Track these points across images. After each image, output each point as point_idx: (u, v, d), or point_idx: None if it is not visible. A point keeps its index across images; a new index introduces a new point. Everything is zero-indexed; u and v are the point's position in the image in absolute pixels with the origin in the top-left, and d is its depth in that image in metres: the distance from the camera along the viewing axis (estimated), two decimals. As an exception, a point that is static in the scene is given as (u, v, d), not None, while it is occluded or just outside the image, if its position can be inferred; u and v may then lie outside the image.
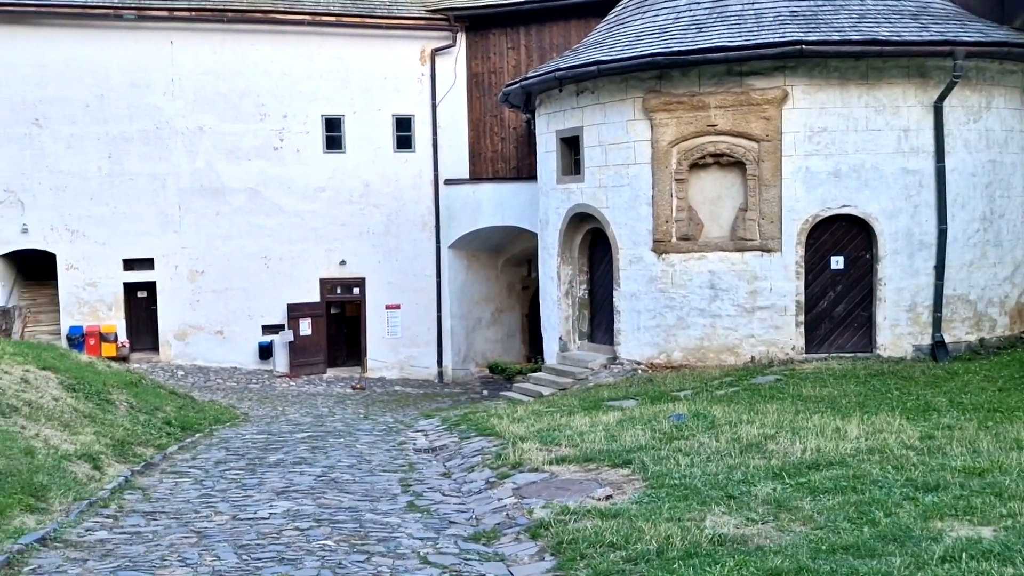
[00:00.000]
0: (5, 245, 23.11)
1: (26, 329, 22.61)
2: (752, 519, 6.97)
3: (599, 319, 18.05)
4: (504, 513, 8.26)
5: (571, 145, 17.93)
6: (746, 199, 15.71)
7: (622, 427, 10.93)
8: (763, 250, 15.66)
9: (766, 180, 15.57)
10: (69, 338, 22.81)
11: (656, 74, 15.96)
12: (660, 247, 16.19)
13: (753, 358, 15.65)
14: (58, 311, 23.59)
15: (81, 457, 10.17)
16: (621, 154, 16.58)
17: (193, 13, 23.32)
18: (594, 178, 17.17)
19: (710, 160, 15.88)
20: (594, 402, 13.67)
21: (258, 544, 7.37)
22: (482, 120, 24.81)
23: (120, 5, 23.03)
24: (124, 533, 7.76)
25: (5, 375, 12.03)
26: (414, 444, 12.77)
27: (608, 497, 8.21)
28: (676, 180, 16.04)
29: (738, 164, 15.73)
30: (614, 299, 16.98)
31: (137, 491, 9.53)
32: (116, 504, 8.85)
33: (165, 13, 23.23)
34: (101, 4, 22.91)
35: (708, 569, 5.79)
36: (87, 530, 7.80)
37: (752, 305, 15.72)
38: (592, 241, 18.07)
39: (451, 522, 8.25)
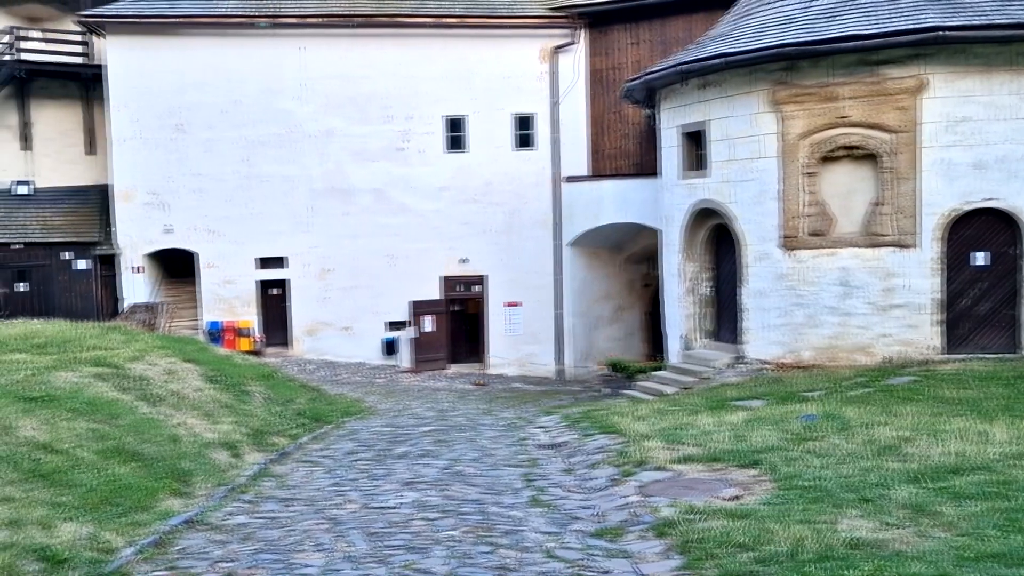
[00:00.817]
0: (151, 245, 24.49)
1: (170, 324, 23.89)
2: (889, 523, 6.68)
3: (724, 317, 17.68)
4: (628, 510, 8.19)
5: (695, 140, 17.63)
6: (880, 193, 15.07)
7: (749, 427, 10.67)
8: (898, 246, 14.99)
9: (902, 173, 14.90)
10: (208, 333, 23.98)
11: (785, 65, 15.51)
12: (789, 243, 15.72)
13: (887, 358, 15.00)
14: (198, 307, 24.82)
15: (221, 445, 10.68)
16: (748, 148, 16.19)
17: (323, 19, 24.12)
18: (719, 173, 16.83)
19: (841, 153, 15.32)
20: (719, 401, 13.40)
21: (388, 532, 7.55)
22: (603, 117, 24.70)
23: (255, 14, 24.06)
24: (262, 518, 8.10)
25: (152, 367, 12.72)
26: (536, 440, 12.82)
27: (736, 497, 8.04)
28: (806, 174, 15.55)
29: (871, 157, 15.12)
30: (740, 296, 16.60)
31: (273, 478, 9.93)
32: (254, 490, 9.24)
33: (296, 20, 24.11)
34: (237, 14, 24.00)
35: (843, 573, 5.59)
36: (228, 514, 8.17)
37: (886, 303, 15.07)
38: (716, 237, 17.72)
39: (575, 518, 8.24)
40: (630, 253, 25.84)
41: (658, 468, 9.40)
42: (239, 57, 24.21)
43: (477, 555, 6.88)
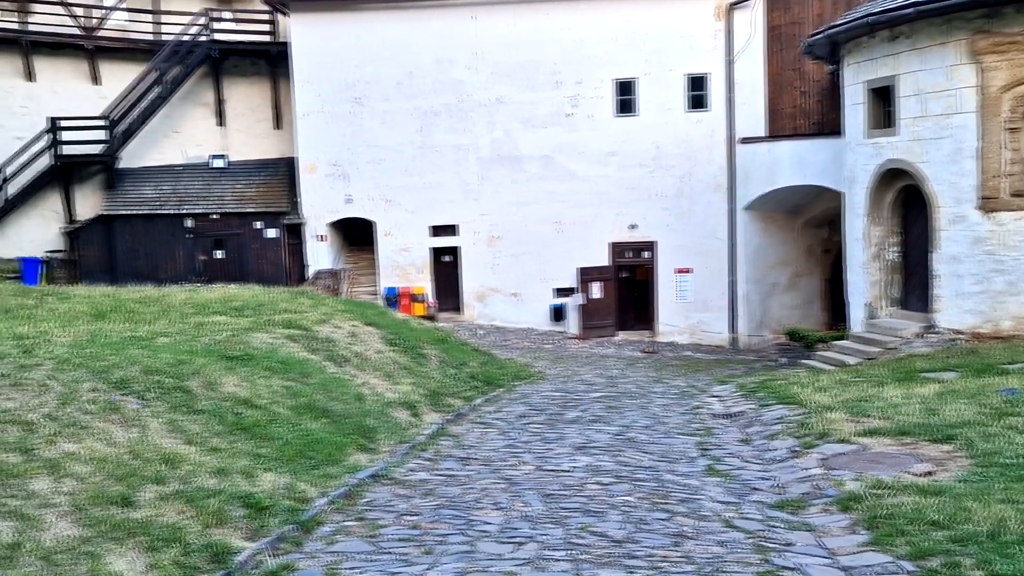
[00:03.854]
0: (333, 214, 25.67)
1: (351, 289, 25.02)
2: (1109, 509, 6.12)
3: (912, 284, 16.65)
4: (811, 483, 7.93)
5: (882, 96, 16.59)
6: (1097, 148, 13.68)
7: (942, 400, 10.05)
8: (1118, 206, 13.59)
9: (1124, 125, 13.44)
10: (386, 298, 24.93)
11: (985, 12, 14.29)
12: (988, 204, 14.57)
13: (1102, 330, 13.70)
14: (376, 273, 25.86)
15: (401, 404, 11.12)
16: (941, 103, 15.08)
17: (493, -13, 24.28)
18: (909, 130, 15.77)
19: (1051, 105, 13.99)
20: (907, 373, 12.68)
21: (562, 495, 7.63)
22: (781, 75, 23.64)
23: (428, -15, 24.53)
24: (441, 475, 8.38)
25: (337, 329, 13.38)
26: (710, 409, 12.59)
27: (928, 473, 7.61)
28: (1008, 129, 14.32)
29: (1087, 108, 13.73)
30: (931, 262, 15.58)
31: (450, 438, 10.25)
32: (433, 449, 9.57)
33: (468, -11, 24.38)
34: (411, -14, 24.54)
35: (1057, 559, 5.17)
36: (410, 470, 8.51)
37: (1102, 269, 13.73)
38: (905, 199, 16.66)
39: (753, 488, 8.06)
40: (808, 217, 24.74)
41: (841, 441, 9.04)
42: (413, 29, 24.80)
43: (653, 521, 6.84)
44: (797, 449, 9.18)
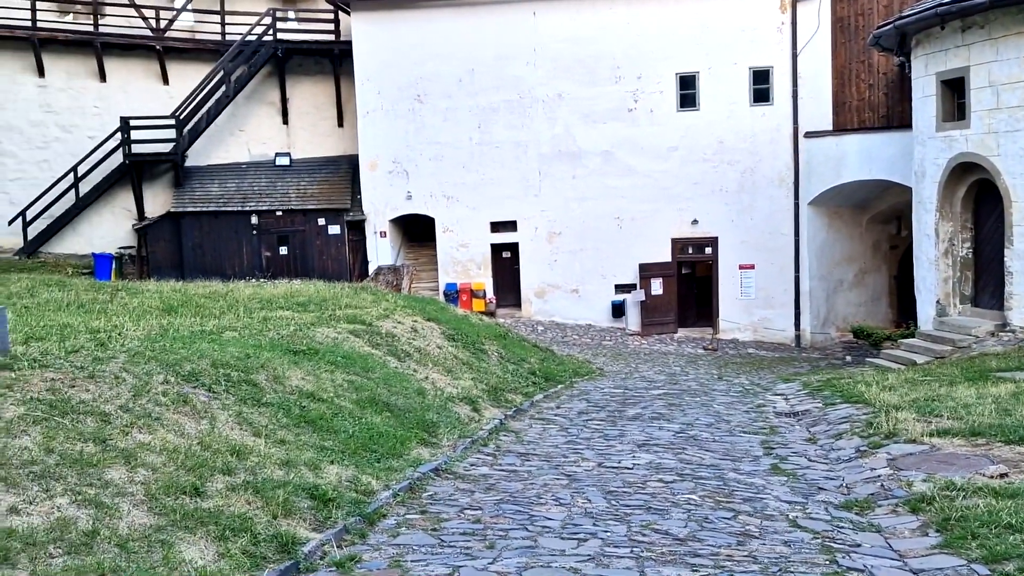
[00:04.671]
0: (394, 211, 25.92)
1: (412, 285, 25.24)
2: None
3: (985, 281, 16.18)
4: (878, 483, 7.76)
5: (953, 88, 16.15)
6: None
7: (1017, 401, 9.75)
8: None
9: None
10: (445, 294, 25.12)
11: (1064, -1, 13.80)
12: (1065, 199, 14.09)
13: None
14: (436, 269, 26.04)
15: (462, 400, 11.18)
16: (1017, 94, 14.62)
17: (554, -18, 24.25)
18: (982, 123, 15.32)
19: None
20: (979, 372, 12.32)
21: (624, 492, 7.60)
22: (847, 67, 23.16)
23: (488, -18, 24.61)
24: (502, 470, 8.40)
25: (399, 325, 13.51)
26: (774, 407, 12.42)
27: (1003, 475, 7.39)
28: (1088, 120, 13.82)
29: None
30: (1005, 259, 15.12)
31: (511, 433, 10.28)
32: (494, 444, 9.61)
33: (528, -15, 24.39)
34: (472, -17, 24.65)
35: None
36: (471, 465, 8.56)
37: None
38: (977, 194, 16.20)
39: (819, 488, 7.92)
40: (875, 212, 24.22)
41: (910, 441, 8.83)
42: (474, 26, 24.88)
43: (717, 520, 6.77)
44: (864, 449, 9.00)
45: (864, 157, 22.45)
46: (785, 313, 24.17)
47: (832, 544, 6.26)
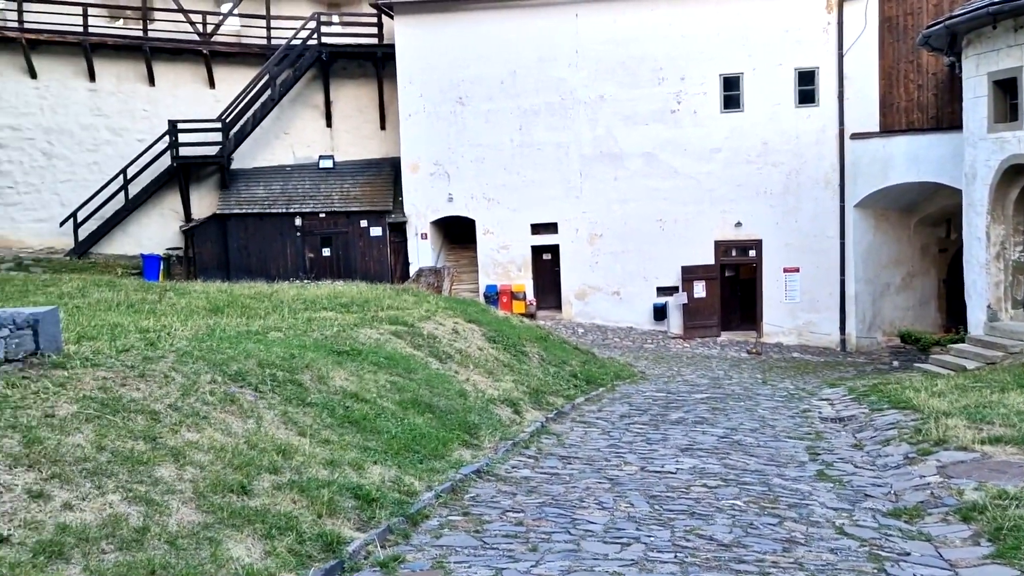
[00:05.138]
0: (435, 213, 26.03)
1: (452, 287, 25.31)
2: None
3: (1037, 285, 15.81)
4: (928, 491, 7.63)
5: (1006, 88, 15.80)
6: None
7: (1072, 408, 9.52)
8: None
9: None
10: (486, 296, 25.14)
11: (1122, -4, 13.44)
12: (1123, 201, 13.71)
13: None
14: (476, 271, 26.10)
15: (503, 402, 11.19)
16: (1072, 94, 14.26)
17: (596, -15, 24.20)
18: (1035, 124, 14.97)
19: None
20: (1032, 378, 12.05)
21: (668, 496, 7.55)
22: (895, 67, 22.79)
23: (531, -15, 24.65)
24: (544, 473, 8.40)
25: (440, 326, 13.56)
26: (819, 413, 12.26)
27: (1058, 485, 7.21)
28: None
29: None
30: (1058, 263, 14.75)
31: (552, 436, 10.26)
32: (535, 446, 9.60)
33: (570, -12, 24.37)
34: (514, -14, 24.70)
35: None
36: (513, 467, 8.56)
37: None
38: (1030, 196, 15.83)
39: (866, 495, 7.80)
40: (924, 215, 23.79)
41: (961, 448, 8.67)
42: (516, 29, 24.91)
43: (762, 526, 6.70)
44: (913, 456, 8.85)
45: (912, 159, 22.07)
46: (830, 317, 23.84)
47: (880, 552, 6.16)
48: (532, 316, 24.20)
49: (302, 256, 26.56)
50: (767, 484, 8.06)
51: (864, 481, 8.30)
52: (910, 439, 9.42)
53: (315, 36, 27.52)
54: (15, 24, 26.94)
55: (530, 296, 25.55)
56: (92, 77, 27.57)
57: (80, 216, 26.89)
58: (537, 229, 25.56)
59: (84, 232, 26.94)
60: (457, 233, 26.83)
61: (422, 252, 26.11)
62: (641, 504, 7.25)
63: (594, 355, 17.61)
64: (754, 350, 22.84)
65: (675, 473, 8.43)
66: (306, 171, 27.86)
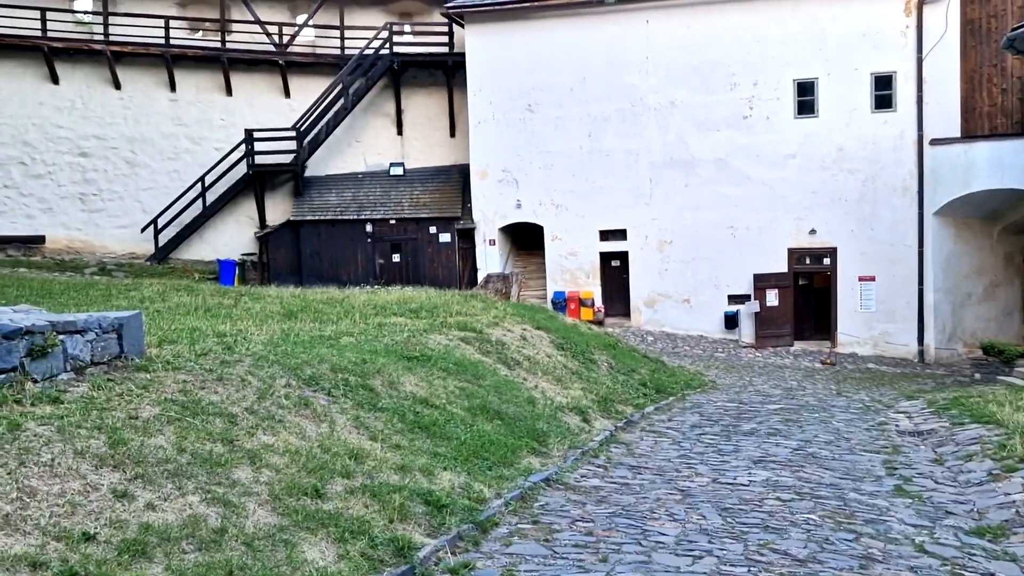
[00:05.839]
0: (503, 219, 26.13)
1: (520, 293, 25.36)
2: None
3: None
4: (1013, 509, 7.36)
5: (1097, 91, 15.19)
6: None
7: None
8: None
9: None
10: (553, 302, 25.12)
11: None
12: None
13: None
14: (544, 277, 26.10)
15: (572, 409, 11.16)
16: None
17: (667, -10, 24.07)
18: None
19: None
20: (1126, 394, 11.54)
21: (740, 509, 7.42)
22: (978, 71, 22.09)
23: (602, -8, 24.65)
24: (614, 483, 8.34)
25: (508, 333, 13.60)
26: (896, 426, 11.92)
27: None
28: None
29: None
30: None
31: (621, 445, 10.19)
32: (604, 455, 9.55)
33: (641, -6, 24.28)
34: (585, -7, 24.73)
35: None
36: (582, 476, 8.52)
37: None
38: (1123, 204, 15.18)
39: (948, 512, 7.57)
40: (1008, 223, 22.99)
41: (1050, 466, 8.33)
42: (586, 36, 24.89)
43: (838, 541, 6.54)
44: (997, 472, 8.54)
45: (995, 165, 21.36)
46: (908, 327, 23.18)
47: (963, 572, 5.97)
48: (600, 323, 24.09)
49: (372, 262, 26.93)
50: (843, 498, 7.87)
51: (945, 498, 8.05)
52: (994, 455, 9.10)
53: (387, 46, 27.91)
54: (101, 37, 27.93)
55: (598, 303, 25.45)
56: (173, 87, 28.43)
57: (160, 222, 27.72)
58: (606, 235, 25.46)
59: (164, 238, 27.76)
60: (525, 239, 26.88)
61: (490, 258, 26.22)
62: (713, 516, 7.15)
63: (663, 363, 17.44)
64: (828, 360, 22.34)
65: (748, 485, 8.29)
66: (377, 178, 28.26)
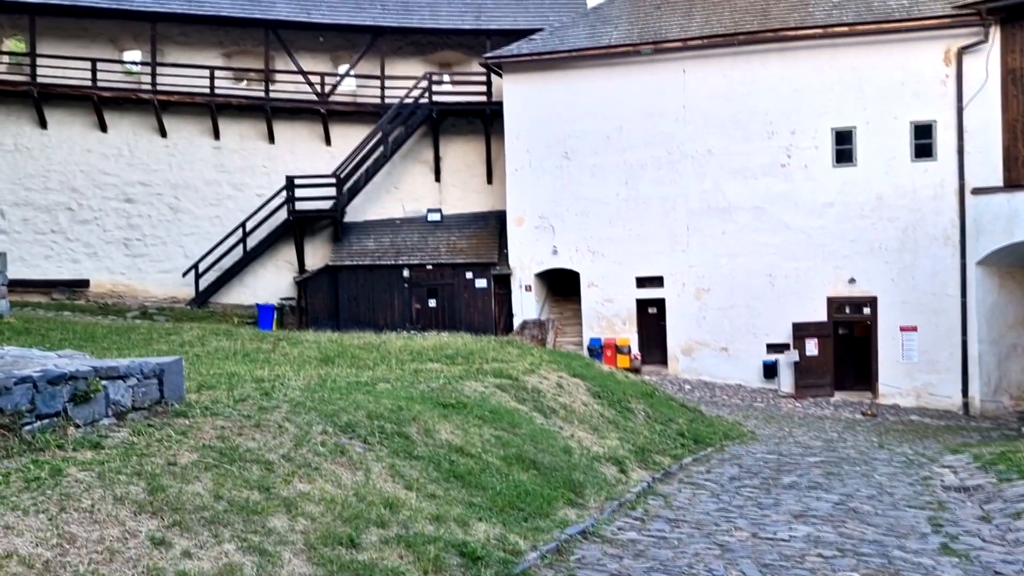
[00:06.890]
0: (539, 265, 26.19)
1: (556, 340, 25.29)
2: None
3: None
4: (1067, 572, 7.11)
5: None
6: None
7: None
8: None
9: None
10: (589, 349, 25.01)
11: None
12: None
13: None
14: (580, 324, 26.04)
15: (609, 460, 11.03)
16: None
17: (706, 40, 24.23)
18: None
19: None
20: None
21: (781, 566, 7.26)
22: (1019, 120, 21.87)
23: (639, 42, 24.86)
24: (651, 536, 8.20)
25: (544, 380, 13.52)
26: (941, 480, 11.62)
27: None
28: None
29: None
30: None
31: (659, 497, 10.03)
32: (642, 508, 9.40)
33: (679, 44, 24.47)
34: (622, 43, 24.96)
35: None
36: (619, 529, 8.39)
37: None
38: None
39: (996, 572, 7.34)
40: (1053, 273, 22.58)
41: (1103, 526, 8.05)
42: (623, 85, 25.10)
43: (883, 602, 6.36)
44: (1049, 532, 8.28)
45: (1040, 214, 21.05)
46: (951, 379, 22.72)
47: (1015, 638, 5.75)
48: (637, 371, 23.91)
49: (409, 307, 27.06)
50: (887, 556, 7.67)
51: (993, 557, 7.80)
52: (1045, 514, 8.83)
53: (427, 95, 28.35)
54: (148, 87, 28.70)
55: (635, 350, 25.29)
56: (217, 135, 29.06)
57: (201, 267, 28.17)
58: (642, 282, 25.39)
59: (204, 282, 28.17)
60: (561, 285, 26.89)
61: (526, 304, 26.25)
62: (753, 573, 6.99)
63: (701, 413, 17.22)
64: (869, 412, 21.93)
65: (788, 541, 8.11)
66: (415, 224, 28.53)
